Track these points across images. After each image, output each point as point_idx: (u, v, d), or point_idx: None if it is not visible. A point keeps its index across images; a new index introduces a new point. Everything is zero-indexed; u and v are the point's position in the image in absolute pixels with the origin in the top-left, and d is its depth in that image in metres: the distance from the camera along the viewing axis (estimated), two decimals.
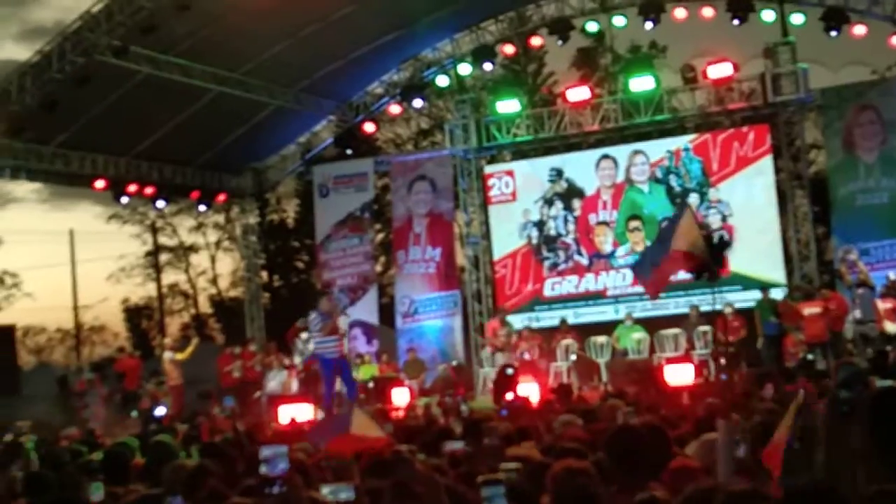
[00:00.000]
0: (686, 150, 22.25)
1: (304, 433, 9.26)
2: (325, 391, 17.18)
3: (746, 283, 20.88)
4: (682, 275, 14.80)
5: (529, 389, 16.20)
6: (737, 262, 21.16)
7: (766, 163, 21.75)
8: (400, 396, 18.33)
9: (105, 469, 7.39)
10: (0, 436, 16.59)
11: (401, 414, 15.05)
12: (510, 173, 23.98)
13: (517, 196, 23.64)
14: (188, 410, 19.30)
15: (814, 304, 18.66)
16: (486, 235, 24.25)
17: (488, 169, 24.34)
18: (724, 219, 21.68)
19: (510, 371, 17.97)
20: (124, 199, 24.65)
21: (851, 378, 7.67)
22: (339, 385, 17.57)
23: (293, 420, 13.91)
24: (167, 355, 22.18)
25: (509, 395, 15.25)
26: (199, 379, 22.63)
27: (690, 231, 13.88)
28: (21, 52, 75.92)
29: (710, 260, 14.12)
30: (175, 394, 21.38)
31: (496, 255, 23.93)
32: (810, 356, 17.74)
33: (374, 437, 6.03)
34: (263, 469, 4.27)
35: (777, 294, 20.29)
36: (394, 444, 6.52)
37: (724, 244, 18.90)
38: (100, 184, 22.88)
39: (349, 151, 25.22)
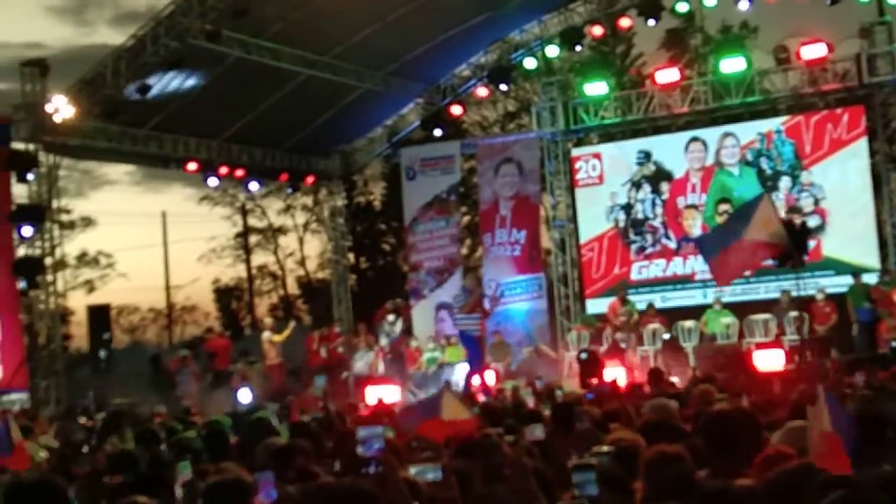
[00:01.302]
0: (778, 132, 21.88)
1: (394, 415, 9.35)
2: (470, 367, 17.62)
3: (839, 267, 20.51)
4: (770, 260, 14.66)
5: (616, 374, 16.14)
6: (829, 246, 20.80)
7: (861, 145, 21.27)
8: (487, 379, 18.39)
9: (203, 447, 7.55)
10: (96, 413, 17.03)
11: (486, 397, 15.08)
12: (597, 156, 23.83)
13: (604, 179, 23.50)
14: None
15: None
16: (573, 218, 24.16)
17: (575, 152, 24.23)
18: (816, 202, 21.29)
19: (584, 356, 17.96)
20: (215, 182, 25.00)
21: None
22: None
23: (380, 401, 14.03)
24: (265, 335, 22.58)
25: (594, 381, 15.21)
26: (287, 359, 22.93)
27: (769, 220, 13.73)
28: (115, 37, 77.31)
29: (792, 248, 13.97)
30: (273, 373, 21.78)
31: (583, 239, 23.84)
32: None
33: (464, 419, 6.04)
34: (360, 449, 4.31)
35: (870, 279, 19.90)
36: (483, 427, 6.54)
37: (808, 231, 18.49)
38: (191, 166, 23.25)
39: (437, 133, 25.25)
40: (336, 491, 4.49)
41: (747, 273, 20.36)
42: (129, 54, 19.39)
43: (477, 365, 17.99)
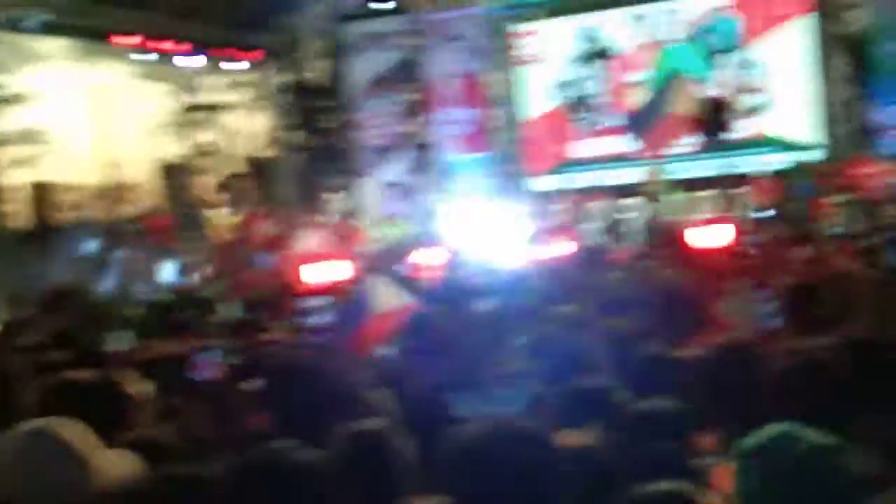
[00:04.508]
0: (723, 8, 21.71)
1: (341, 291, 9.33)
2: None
3: (782, 145, 20.63)
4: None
5: (561, 249, 16.18)
6: (773, 123, 20.87)
7: (807, 21, 21.19)
8: (435, 256, 18.40)
9: (147, 323, 7.52)
10: (40, 290, 16.83)
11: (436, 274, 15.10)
12: (541, 33, 23.54)
13: (549, 56, 23.27)
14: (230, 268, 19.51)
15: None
16: (516, 97, 23.98)
17: (519, 28, 23.91)
18: (760, 79, 21.28)
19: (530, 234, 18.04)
20: (155, 57, 24.45)
21: None
22: None
23: (330, 278, 13.94)
24: (214, 213, 22.39)
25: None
26: (235, 238, 22.80)
27: (687, 98, 13.86)
28: None
29: (713, 121, 14.20)
30: (221, 251, 21.66)
31: (527, 117, 23.70)
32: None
33: (400, 307, 5.93)
34: (306, 320, 4.29)
35: (813, 156, 20.06)
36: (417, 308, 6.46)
37: (727, 105, 18.61)
38: (131, 40, 22.69)
39: (382, 7, 24.73)
40: (282, 362, 4.49)
41: (690, 149, 20.47)
42: None
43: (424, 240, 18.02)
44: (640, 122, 15.30)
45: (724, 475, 1.96)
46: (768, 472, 1.88)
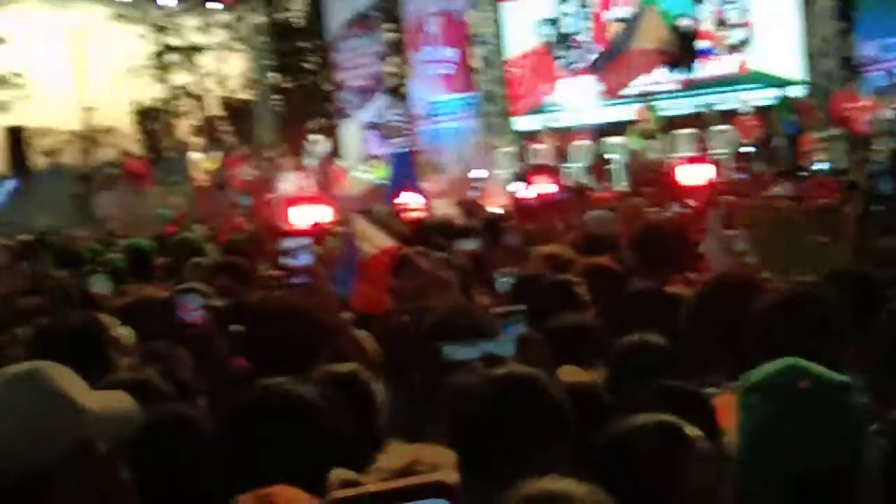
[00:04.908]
0: None
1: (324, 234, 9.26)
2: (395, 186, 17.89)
3: (765, 80, 20.49)
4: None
5: (543, 189, 16.14)
6: (755, 59, 20.74)
7: None
8: (414, 197, 18.32)
9: (126, 268, 7.42)
10: (16, 235, 16.69)
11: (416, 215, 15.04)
12: None
13: None
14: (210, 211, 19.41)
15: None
16: (498, 35, 23.73)
17: None
18: (743, 14, 21.08)
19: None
20: None
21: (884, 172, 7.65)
22: None
23: (316, 222, 13.82)
24: (194, 156, 22.22)
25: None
26: (214, 182, 22.67)
27: (655, 28, 13.76)
28: None
29: (682, 52, 14.10)
30: (201, 195, 21.56)
31: (509, 55, 23.50)
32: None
33: (385, 247, 5.86)
34: (286, 261, 4.22)
35: (796, 92, 19.97)
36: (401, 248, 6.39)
37: (694, 35, 18.51)
38: None
39: None
40: (265, 305, 4.43)
41: (673, 87, 20.36)
42: None
43: (406, 183, 17.91)
44: (602, 59, 15.23)
45: (726, 409, 1.92)
46: (774, 407, 1.84)
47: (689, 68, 14.52)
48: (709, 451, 2.12)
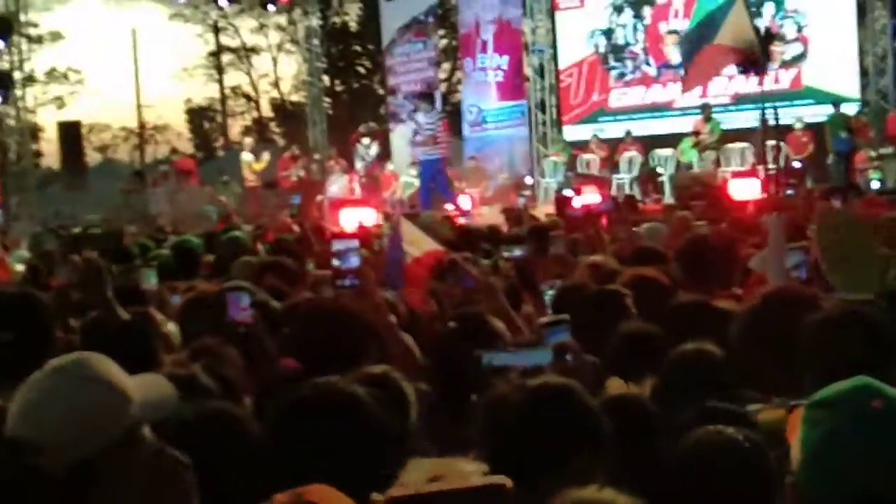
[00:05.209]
0: None
1: (371, 237, 9.30)
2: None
3: (818, 96, 20.33)
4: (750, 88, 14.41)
5: (591, 199, 16.07)
6: (810, 75, 20.57)
7: None
8: (462, 203, 18.36)
9: (175, 265, 7.48)
10: (68, 229, 16.92)
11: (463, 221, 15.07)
12: None
13: (585, 3, 23.00)
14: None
15: None
16: (553, 44, 23.73)
17: None
18: (799, 29, 20.93)
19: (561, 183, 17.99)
20: None
21: None
22: None
23: (361, 225, 13.90)
24: (245, 157, 22.42)
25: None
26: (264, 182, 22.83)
27: (741, 25, 13.46)
28: None
29: (759, 54, 13.78)
30: (251, 195, 21.75)
31: (562, 65, 23.49)
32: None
33: (431, 251, 5.89)
34: (336, 262, 4.24)
35: (850, 109, 19.77)
36: (448, 253, 6.42)
37: (772, 38, 18.23)
38: None
39: None
40: (314, 306, 4.46)
41: (725, 101, 20.24)
42: None
43: (435, 190, 18.14)
44: (687, 46, 14.90)
45: (791, 424, 1.90)
46: (843, 423, 1.82)
47: (759, 70, 14.25)
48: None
